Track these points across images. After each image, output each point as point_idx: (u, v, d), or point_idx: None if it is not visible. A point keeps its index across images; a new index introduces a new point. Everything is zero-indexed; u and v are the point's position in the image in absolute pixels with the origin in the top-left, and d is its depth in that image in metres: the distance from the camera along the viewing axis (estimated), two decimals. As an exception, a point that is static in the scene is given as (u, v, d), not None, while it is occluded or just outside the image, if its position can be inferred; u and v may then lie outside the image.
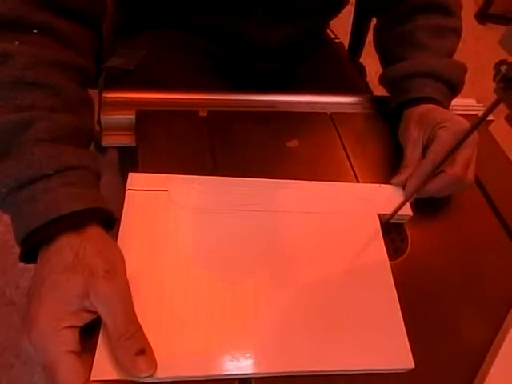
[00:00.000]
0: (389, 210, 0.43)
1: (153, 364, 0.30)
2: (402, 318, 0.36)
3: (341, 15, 0.68)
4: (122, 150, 0.60)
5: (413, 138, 0.47)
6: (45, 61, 0.35)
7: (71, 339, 0.29)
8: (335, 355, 0.34)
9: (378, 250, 0.41)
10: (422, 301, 0.39)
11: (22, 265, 1.10)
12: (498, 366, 0.35)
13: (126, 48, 0.59)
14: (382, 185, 0.46)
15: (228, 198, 0.41)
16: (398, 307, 0.37)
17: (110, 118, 0.49)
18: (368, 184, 0.46)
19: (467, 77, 0.53)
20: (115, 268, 0.32)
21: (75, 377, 0.28)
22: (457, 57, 0.55)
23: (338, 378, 0.34)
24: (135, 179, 0.41)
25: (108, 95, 0.51)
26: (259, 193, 0.42)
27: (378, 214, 0.43)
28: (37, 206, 0.31)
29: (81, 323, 0.30)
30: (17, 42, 0.34)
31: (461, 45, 0.57)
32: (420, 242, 0.44)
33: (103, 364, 0.30)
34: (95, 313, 0.31)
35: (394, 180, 0.46)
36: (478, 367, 0.36)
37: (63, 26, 0.37)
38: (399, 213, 0.43)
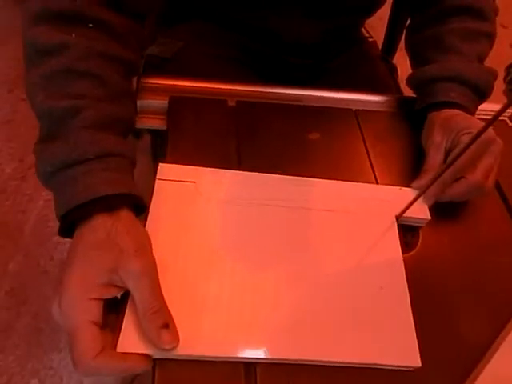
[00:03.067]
0: (407, 213, 0.43)
1: (175, 337, 0.32)
2: (411, 317, 0.37)
3: (377, 14, 0.68)
4: (154, 134, 0.63)
5: (436, 142, 0.47)
6: (95, 53, 0.38)
7: (96, 310, 0.32)
8: (344, 347, 0.35)
9: (393, 250, 0.41)
10: (429, 298, 0.40)
11: (56, 238, 1.16)
12: (495, 363, 0.36)
13: (165, 38, 0.62)
14: (402, 188, 0.46)
15: (252, 192, 0.43)
16: (409, 306, 0.38)
17: (144, 101, 0.52)
18: (388, 186, 0.47)
19: (501, 80, 0.53)
20: (144, 247, 0.35)
21: (93, 345, 0.31)
22: (492, 59, 0.53)
23: (344, 370, 0.35)
24: (165, 169, 0.43)
25: (145, 81, 0.54)
26: (283, 189, 0.44)
27: (396, 216, 0.44)
28: (77, 186, 0.34)
29: (107, 296, 0.33)
30: (73, 35, 0.37)
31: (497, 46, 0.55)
32: (431, 240, 0.44)
33: (128, 337, 0.32)
34: (121, 288, 0.33)
35: (414, 184, 0.46)
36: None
37: (116, 22, 0.40)
38: (417, 216, 0.44)
